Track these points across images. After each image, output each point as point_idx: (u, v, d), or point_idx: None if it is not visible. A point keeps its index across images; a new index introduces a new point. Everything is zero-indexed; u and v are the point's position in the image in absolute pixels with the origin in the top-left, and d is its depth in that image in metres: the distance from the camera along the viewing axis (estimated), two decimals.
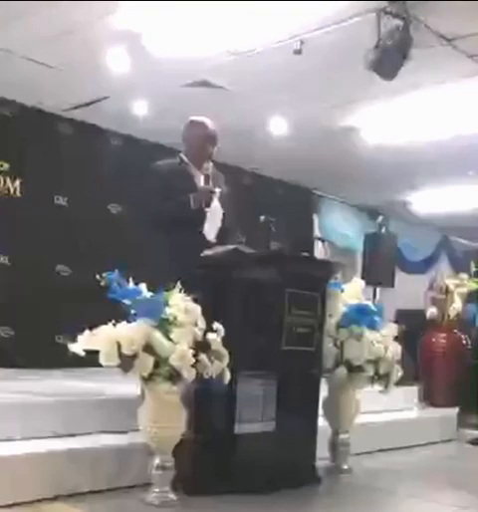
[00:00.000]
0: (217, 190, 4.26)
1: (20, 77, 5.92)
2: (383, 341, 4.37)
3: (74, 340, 3.34)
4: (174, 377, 3.28)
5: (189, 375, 3.28)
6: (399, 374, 4.45)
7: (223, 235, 4.27)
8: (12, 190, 6.57)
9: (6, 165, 6.52)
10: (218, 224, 4.29)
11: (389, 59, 4.59)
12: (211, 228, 4.23)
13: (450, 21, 4.70)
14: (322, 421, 4.27)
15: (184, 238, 4.05)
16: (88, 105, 6.55)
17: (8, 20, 4.91)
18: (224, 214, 4.32)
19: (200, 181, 4.29)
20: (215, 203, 4.26)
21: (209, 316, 3.45)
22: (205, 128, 4.38)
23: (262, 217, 4.41)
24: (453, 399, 6.29)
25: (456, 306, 6.42)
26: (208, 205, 4.19)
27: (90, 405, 3.96)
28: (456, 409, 6.23)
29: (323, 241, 9.12)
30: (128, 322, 3.35)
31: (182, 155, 4.43)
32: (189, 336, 3.32)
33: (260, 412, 3.73)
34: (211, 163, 4.36)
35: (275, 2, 4.53)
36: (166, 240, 4.25)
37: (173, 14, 4.77)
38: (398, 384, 4.57)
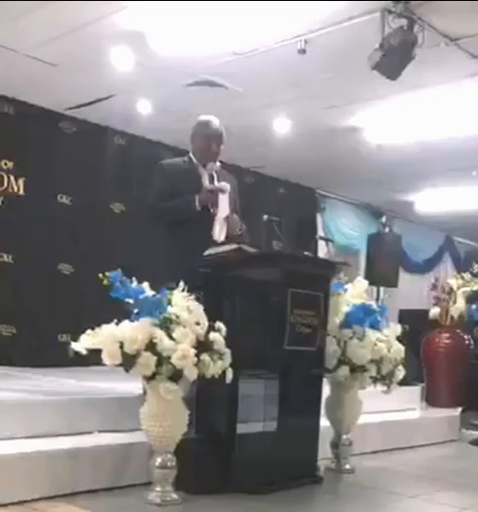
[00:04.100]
0: (225, 184, 4.21)
1: (24, 75, 5.93)
2: (386, 341, 4.37)
3: (76, 338, 3.34)
4: (176, 376, 3.29)
5: (191, 374, 3.28)
6: (402, 374, 4.45)
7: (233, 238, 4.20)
8: (16, 189, 6.57)
9: (10, 164, 6.52)
10: (224, 225, 4.22)
11: (394, 58, 4.58)
12: (220, 230, 4.17)
13: (454, 21, 4.69)
14: (324, 421, 4.26)
15: (187, 237, 4.05)
16: (92, 103, 6.55)
17: (12, 18, 4.91)
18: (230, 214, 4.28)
19: (206, 181, 4.28)
20: (224, 204, 4.20)
21: (211, 315, 3.45)
22: (211, 126, 4.35)
23: (265, 217, 4.41)
24: (456, 400, 6.28)
25: (459, 306, 6.41)
26: (214, 205, 4.15)
27: (92, 404, 3.96)
28: (459, 410, 6.22)
29: (326, 241, 9.15)
30: (131, 321, 3.35)
31: (191, 155, 4.41)
32: (191, 335, 3.32)
33: (262, 412, 3.72)
34: (219, 164, 4.34)
35: (279, 2, 4.53)
36: (169, 239, 4.25)
37: (178, 13, 4.76)
38: (401, 383, 4.56)
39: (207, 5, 4.61)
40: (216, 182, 4.25)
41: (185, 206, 4.13)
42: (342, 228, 10.04)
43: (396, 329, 4.51)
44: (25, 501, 3.17)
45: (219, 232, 4.19)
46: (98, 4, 4.67)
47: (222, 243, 4.07)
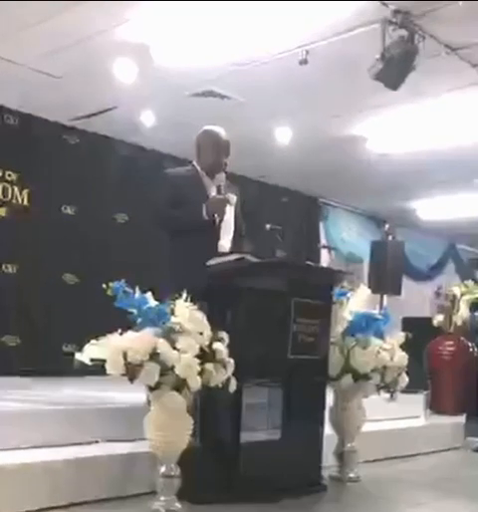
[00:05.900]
0: (232, 196, 4.22)
1: (28, 87, 5.98)
2: (390, 349, 4.38)
3: (81, 348, 3.36)
4: (180, 385, 3.30)
5: (195, 383, 3.29)
6: (406, 381, 4.45)
7: (237, 245, 4.21)
8: (20, 200, 6.62)
9: (14, 175, 6.57)
10: (230, 235, 4.22)
11: (394, 69, 4.61)
12: (225, 241, 4.17)
13: (455, 30, 4.73)
14: (328, 429, 4.27)
15: (192, 246, 4.06)
16: (95, 115, 6.60)
17: (16, 31, 4.96)
18: (236, 225, 4.30)
19: (213, 191, 4.27)
20: (229, 214, 4.19)
21: (215, 324, 3.46)
22: (218, 137, 4.32)
23: (268, 226, 4.42)
24: (460, 407, 6.27)
25: (463, 313, 6.41)
26: (221, 216, 4.14)
27: (96, 414, 3.97)
28: (463, 417, 6.21)
29: (329, 249, 9.18)
30: (135, 331, 3.37)
31: (195, 164, 4.39)
32: (195, 345, 3.33)
33: (266, 421, 3.73)
34: (224, 175, 4.31)
35: (281, 13, 4.56)
36: (173, 248, 4.26)
37: (181, 26, 4.81)
38: (405, 391, 4.56)
39: (210, 16, 4.65)
40: (223, 194, 4.25)
41: (193, 215, 4.14)
42: (344, 236, 10.05)
43: (400, 337, 4.52)
44: (28, 511, 3.18)
45: (225, 243, 4.20)
46: (101, 17, 4.71)
47: (226, 253, 4.09)
